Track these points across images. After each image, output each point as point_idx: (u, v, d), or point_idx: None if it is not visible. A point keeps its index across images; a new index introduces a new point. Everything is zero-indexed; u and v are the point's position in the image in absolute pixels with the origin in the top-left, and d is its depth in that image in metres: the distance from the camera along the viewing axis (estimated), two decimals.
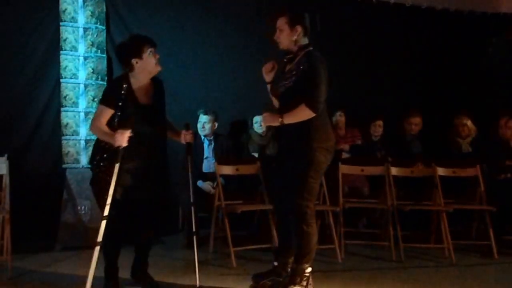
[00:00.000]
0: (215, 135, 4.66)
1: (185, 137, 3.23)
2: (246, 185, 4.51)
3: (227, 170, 4.29)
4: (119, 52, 3.12)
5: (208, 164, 4.57)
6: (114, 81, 3.12)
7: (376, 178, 4.55)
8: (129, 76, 3.02)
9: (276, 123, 3.06)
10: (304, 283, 3.10)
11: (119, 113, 2.97)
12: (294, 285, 3.05)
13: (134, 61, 2.99)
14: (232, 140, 4.84)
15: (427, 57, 5.40)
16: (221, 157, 4.45)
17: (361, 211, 4.77)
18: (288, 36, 3.06)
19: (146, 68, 3.02)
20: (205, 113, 4.57)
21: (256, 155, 4.73)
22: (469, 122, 4.87)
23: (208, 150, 4.63)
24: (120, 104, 2.96)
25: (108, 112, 2.99)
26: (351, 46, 5.28)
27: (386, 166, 4.42)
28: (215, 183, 4.29)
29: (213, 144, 4.64)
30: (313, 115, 2.99)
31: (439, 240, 4.30)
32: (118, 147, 2.91)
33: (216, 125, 4.63)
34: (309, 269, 3.14)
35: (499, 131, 4.68)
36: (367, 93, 5.35)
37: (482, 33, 5.47)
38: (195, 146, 4.59)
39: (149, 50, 3.02)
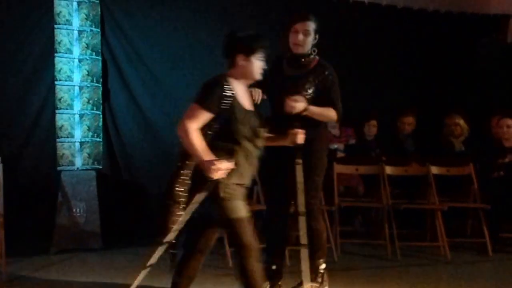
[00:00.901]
0: None
1: (296, 137, 2.73)
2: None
3: None
4: (229, 41, 2.58)
5: None
6: (214, 79, 2.51)
7: (371, 177, 4.58)
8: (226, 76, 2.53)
9: (301, 108, 2.81)
10: (320, 279, 3.08)
11: (219, 120, 2.42)
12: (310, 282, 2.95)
13: (240, 57, 2.54)
14: None
15: (420, 58, 5.45)
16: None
17: (357, 210, 4.79)
18: (311, 42, 2.97)
19: (248, 71, 2.54)
20: None
21: None
22: (461, 122, 4.91)
23: None
24: (222, 107, 2.42)
25: (207, 117, 2.40)
26: (345, 46, 5.31)
27: (381, 165, 4.46)
28: None
29: None
30: (335, 120, 3.03)
31: (434, 238, 4.34)
32: (209, 178, 2.36)
33: None
34: (323, 266, 3.10)
35: (491, 130, 4.73)
36: (361, 93, 5.38)
37: (472, 33, 5.52)
38: None
39: (261, 55, 2.57)
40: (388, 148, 4.97)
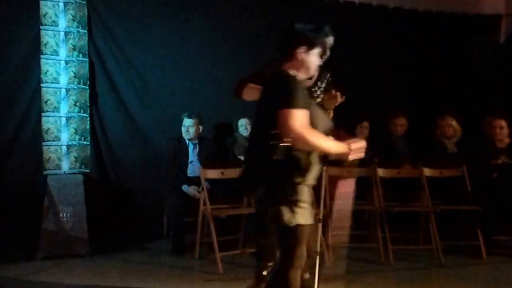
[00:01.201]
0: (200, 138, 4.60)
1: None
2: (232, 189, 4.45)
3: (212, 174, 4.23)
4: (289, 33, 2.44)
5: (193, 168, 4.50)
6: (284, 76, 2.34)
7: (363, 180, 4.52)
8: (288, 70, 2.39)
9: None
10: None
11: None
12: None
13: (300, 50, 2.39)
14: (217, 144, 4.79)
15: (411, 59, 5.41)
16: (206, 161, 4.39)
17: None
18: None
19: (307, 65, 2.42)
20: (189, 117, 4.51)
21: (242, 158, 4.68)
22: (454, 123, 4.87)
23: (193, 154, 4.56)
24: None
25: (305, 114, 2.25)
26: (336, 47, 5.25)
27: (373, 167, 4.40)
28: (201, 188, 4.22)
29: (198, 148, 4.57)
30: None
31: (427, 241, 4.28)
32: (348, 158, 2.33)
33: (201, 128, 4.58)
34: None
35: (484, 131, 4.69)
36: (353, 94, 5.31)
37: (464, 34, 5.49)
38: (180, 150, 4.54)
39: (320, 49, 2.45)
40: (380, 150, 4.91)
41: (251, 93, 2.80)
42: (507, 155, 4.49)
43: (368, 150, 4.99)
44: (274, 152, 2.25)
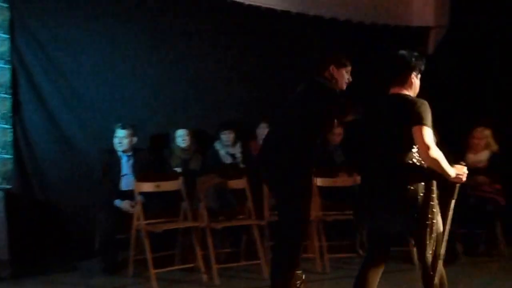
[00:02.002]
0: (134, 150, 4.41)
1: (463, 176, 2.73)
2: (168, 202, 4.30)
3: (147, 187, 4.07)
4: (404, 60, 2.80)
5: (127, 181, 4.30)
6: (416, 100, 2.64)
7: None
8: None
9: None
10: None
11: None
12: None
13: (413, 74, 2.76)
14: (153, 155, 4.62)
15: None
16: (140, 174, 4.21)
17: None
18: None
19: (415, 88, 2.78)
20: (122, 128, 4.32)
21: (178, 170, 4.54)
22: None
23: (126, 167, 4.36)
24: None
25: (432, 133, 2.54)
26: (275, 58, 5.30)
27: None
28: (134, 202, 4.04)
29: (132, 160, 4.38)
30: None
31: (364, 248, 4.33)
32: (455, 183, 2.59)
33: (135, 139, 4.39)
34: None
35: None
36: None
37: (396, 45, 5.65)
38: (112, 163, 4.34)
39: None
40: (317, 159, 4.94)
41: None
42: None
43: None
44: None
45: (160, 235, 3.91)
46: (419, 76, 2.77)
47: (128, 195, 4.20)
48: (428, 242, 2.55)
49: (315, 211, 4.27)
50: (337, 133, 5.07)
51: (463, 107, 5.42)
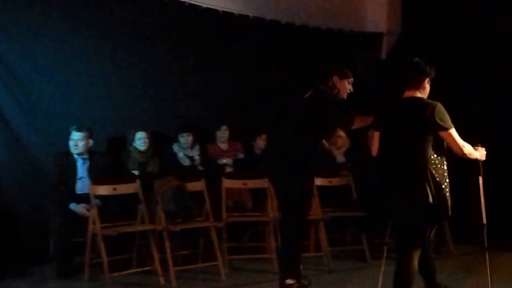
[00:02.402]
0: (90, 153, 4.37)
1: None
2: (126, 206, 4.28)
3: (104, 190, 4.04)
4: (418, 67, 3.06)
5: (83, 184, 4.25)
6: (437, 104, 2.95)
7: (260, 191, 4.60)
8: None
9: None
10: None
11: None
12: None
13: (426, 81, 3.05)
14: (110, 158, 4.58)
15: (305, 73, 5.63)
16: (96, 177, 4.17)
17: (246, 225, 4.78)
18: None
19: (427, 92, 3.08)
20: (78, 130, 4.27)
21: (136, 172, 4.53)
22: (342, 134, 5.14)
23: (82, 170, 4.31)
24: None
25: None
26: (232, 62, 5.35)
27: (268, 179, 4.49)
28: (90, 205, 4.00)
29: (87, 163, 4.34)
30: None
31: (318, 248, 4.45)
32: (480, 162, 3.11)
33: (91, 142, 4.35)
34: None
35: (367, 141, 5.00)
36: (250, 107, 5.43)
37: (351, 50, 5.85)
38: (67, 166, 4.28)
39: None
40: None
41: (359, 122, 3.69)
42: None
43: (263, 161, 5.14)
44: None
45: (117, 239, 3.89)
46: (430, 82, 3.08)
47: (83, 198, 4.15)
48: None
49: (272, 213, 4.36)
50: None
51: None
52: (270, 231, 4.30)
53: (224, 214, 4.34)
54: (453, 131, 2.91)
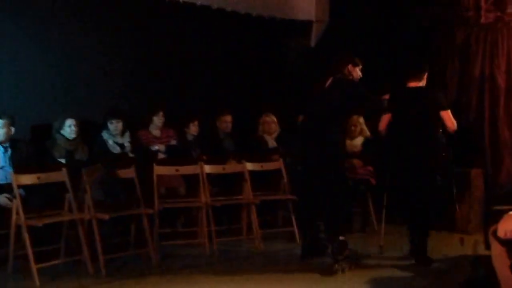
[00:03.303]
0: (12, 141, 4.18)
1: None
2: (52, 195, 4.14)
3: (27, 179, 3.88)
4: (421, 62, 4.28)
5: (4, 174, 4.07)
6: (437, 90, 4.25)
7: (192, 177, 4.62)
8: None
9: None
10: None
11: None
12: None
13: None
14: (34, 146, 4.40)
15: (236, 60, 5.69)
16: (19, 166, 4.00)
17: (179, 211, 4.79)
18: None
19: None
20: None
21: (63, 161, 4.39)
22: (274, 119, 5.27)
23: (3, 159, 4.12)
24: None
25: None
26: (163, 49, 5.29)
27: (200, 164, 4.52)
28: (13, 195, 3.84)
29: (9, 151, 4.15)
30: None
31: (250, 231, 4.56)
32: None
33: (13, 130, 4.16)
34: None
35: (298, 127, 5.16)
36: (182, 94, 5.42)
37: (282, 38, 5.96)
38: None
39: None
40: (208, 147, 5.07)
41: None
42: None
43: (196, 147, 5.18)
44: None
45: (44, 229, 3.77)
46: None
47: (5, 188, 3.98)
48: None
49: (204, 198, 4.41)
50: (226, 121, 5.24)
51: None
52: (203, 216, 4.34)
53: (156, 201, 4.33)
54: (449, 112, 4.03)
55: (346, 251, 3.83)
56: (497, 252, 2.26)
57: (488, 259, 2.34)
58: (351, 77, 4.06)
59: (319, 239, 4.06)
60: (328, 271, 3.73)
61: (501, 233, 2.14)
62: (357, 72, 4.10)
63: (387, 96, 4.20)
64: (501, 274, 2.26)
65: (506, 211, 2.17)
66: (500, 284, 2.30)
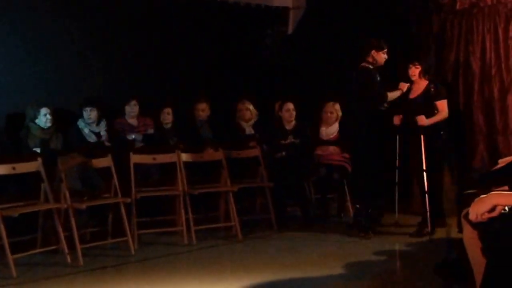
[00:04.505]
0: None
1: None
2: (27, 185, 4.11)
3: (2, 169, 3.83)
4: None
5: None
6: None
7: (169, 166, 4.62)
8: None
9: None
10: None
11: None
12: None
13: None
14: (7, 136, 4.34)
15: (212, 48, 5.66)
16: None
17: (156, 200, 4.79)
18: None
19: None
20: None
21: (38, 150, 4.34)
22: (251, 107, 5.28)
23: None
24: None
25: None
26: (139, 37, 5.23)
27: (177, 153, 4.52)
28: None
29: None
30: None
31: (228, 218, 4.60)
32: None
33: None
34: None
35: (275, 113, 5.19)
36: (156, 82, 5.38)
37: (258, 25, 5.94)
38: None
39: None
40: (185, 135, 5.07)
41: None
42: (293, 135, 5.06)
43: (173, 135, 5.16)
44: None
45: (19, 219, 3.74)
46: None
47: None
48: None
49: (182, 186, 4.41)
50: (202, 109, 5.23)
51: (317, 83, 5.87)
52: (180, 204, 4.35)
53: (133, 190, 4.32)
54: (445, 101, 4.37)
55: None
56: (469, 235, 2.31)
57: (461, 242, 2.41)
58: (375, 62, 4.25)
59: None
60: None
61: (472, 216, 2.19)
62: (382, 57, 4.26)
63: (404, 87, 4.35)
64: (473, 257, 2.32)
65: (478, 195, 2.23)
66: (472, 266, 2.38)
